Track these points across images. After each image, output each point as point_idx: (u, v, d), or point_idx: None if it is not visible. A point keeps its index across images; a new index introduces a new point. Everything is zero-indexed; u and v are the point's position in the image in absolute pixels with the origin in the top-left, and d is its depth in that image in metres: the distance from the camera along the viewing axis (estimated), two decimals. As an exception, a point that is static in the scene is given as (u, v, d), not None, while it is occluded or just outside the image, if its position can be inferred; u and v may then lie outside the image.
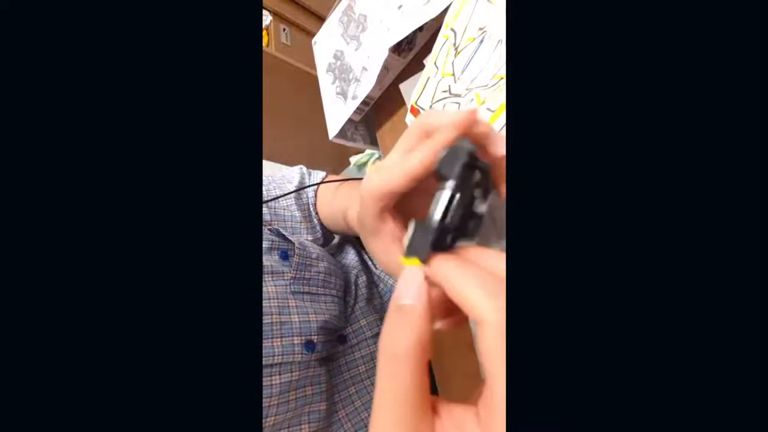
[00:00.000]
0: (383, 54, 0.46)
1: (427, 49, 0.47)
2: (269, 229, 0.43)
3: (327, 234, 0.53)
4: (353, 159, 1.44)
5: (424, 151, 0.20)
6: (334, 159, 1.54)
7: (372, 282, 0.52)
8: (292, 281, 0.40)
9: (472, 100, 0.35)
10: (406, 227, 0.25)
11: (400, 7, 0.46)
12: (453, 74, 0.38)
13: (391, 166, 0.21)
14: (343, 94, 0.54)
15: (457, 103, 0.37)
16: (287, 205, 0.51)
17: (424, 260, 0.17)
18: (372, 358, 0.45)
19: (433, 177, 0.20)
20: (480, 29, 0.36)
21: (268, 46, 1.23)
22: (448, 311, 0.20)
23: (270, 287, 0.38)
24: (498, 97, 0.33)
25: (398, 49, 0.47)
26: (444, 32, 0.39)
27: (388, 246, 0.24)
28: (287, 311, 0.37)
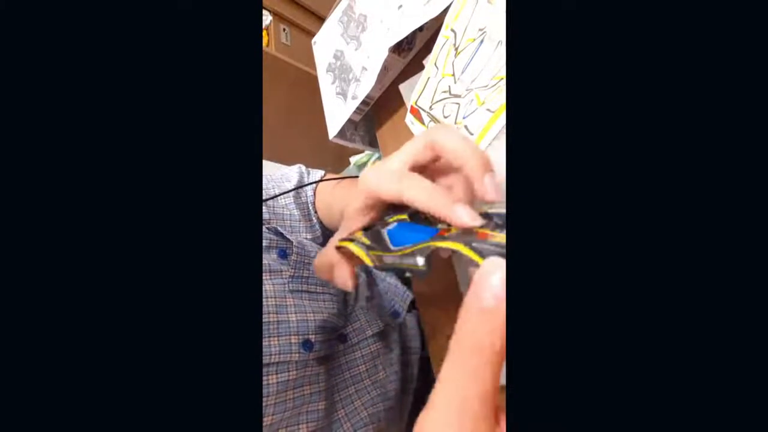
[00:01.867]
0: (383, 54, 0.46)
1: (427, 49, 0.47)
2: (267, 228, 0.43)
3: (326, 233, 0.53)
4: (353, 159, 1.43)
5: (425, 194, 0.21)
6: (334, 159, 1.54)
7: (372, 281, 0.52)
8: (290, 280, 0.40)
9: (472, 100, 0.35)
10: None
11: (400, 7, 0.46)
12: (453, 75, 0.38)
13: (392, 178, 0.23)
14: (343, 94, 0.54)
15: (456, 103, 0.37)
16: (286, 204, 0.51)
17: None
18: (372, 358, 0.45)
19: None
20: (480, 30, 0.36)
21: (268, 46, 1.23)
22: None
23: (268, 286, 0.38)
24: (498, 98, 0.33)
25: (398, 49, 0.47)
26: (444, 33, 0.39)
27: (342, 232, 0.26)
28: (285, 310, 0.37)
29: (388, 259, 0.21)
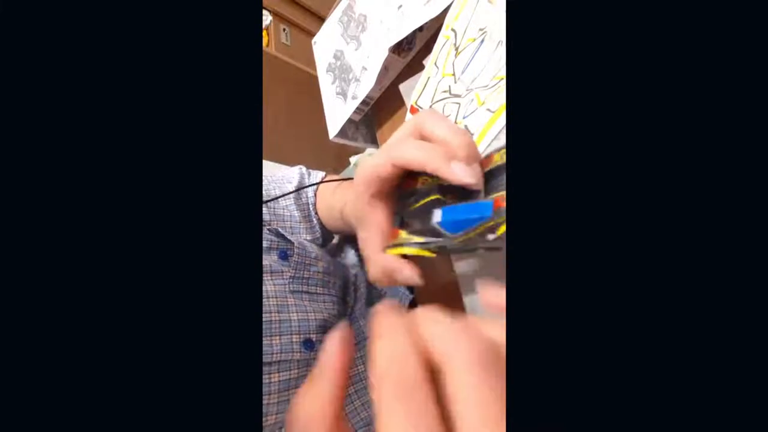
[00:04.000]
0: (383, 54, 0.46)
1: (427, 49, 0.47)
2: (268, 229, 0.43)
3: (326, 234, 0.53)
4: (353, 159, 1.43)
5: (413, 150, 0.21)
6: (334, 159, 1.54)
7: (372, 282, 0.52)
8: (290, 280, 0.40)
9: (472, 100, 0.35)
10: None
11: (400, 7, 0.46)
12: (453, 74, 0.38)
13: (379, 153, 0.23)
14: (343, 94, 0.54)
15: (457, 103, 0.37)
16: (286, 205, 0.51)
17: None
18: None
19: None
20: (480, 30, 0.36)
21: (268, 46, 1.23)
22: None
23: (269, 286, 0.38)
24: (498, 98, 0.33)
25: (398, 49, 0.47)
26: (444, 32, 0.39)
27: (373, 237, 0.24)
28: (286, 309, 0.37)
29: (453, 245, 0.21)
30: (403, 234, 0.23)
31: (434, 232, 0.22)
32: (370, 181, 0.23)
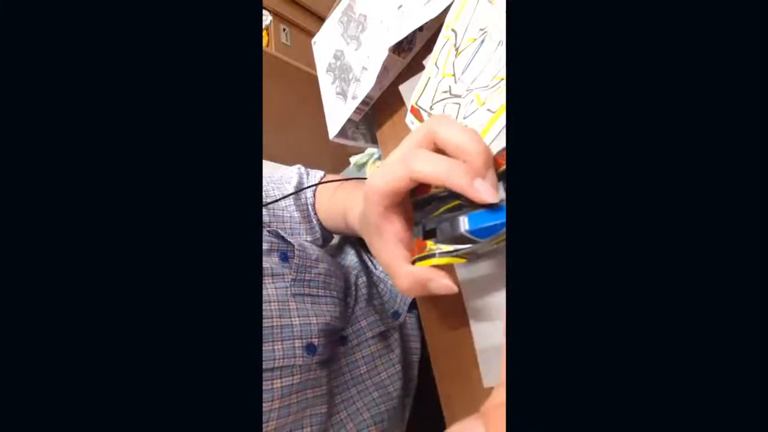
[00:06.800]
0: (383, 54, 0.46)
1: (427, 49, 0.47)
2: (268, 231, 0.43)
3: (326, 234, 0.53)
4: (353, 159, 1.43)
5: (434, 164, 0.20)
6: (334, 159, 1.54)
7: (372, 282, 0.52)
8: (292, 283, 0.39)
9: (472, 100, 0.35)
10: (410, 227, 0.25)
11: (400, 7, 0.46)
12: (453, 75, 0.38)
13: (395, 165, 0.22)
14: (343, 94, 0.54)
15: (457, 103, 0.37)
16: (286, 206, 0.50)
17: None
18: (373, 359, 0.45)
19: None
20: (481, 30, 0.35)
21: (268, 46, 1.23)
22: None
23: (270, 290, 0.37)
24: (498, 98, 0.33)
25: (398, 49, 0.47)
26: (445, 33, 0.39)
27: (392, 248, 0.24)
28: (288, 314, 0.37)
29: (485, 248, 0.21)
30: (431, 244, 0.23)
31: (464, 240, 0.22)
32: (386, 195, 0.23)
